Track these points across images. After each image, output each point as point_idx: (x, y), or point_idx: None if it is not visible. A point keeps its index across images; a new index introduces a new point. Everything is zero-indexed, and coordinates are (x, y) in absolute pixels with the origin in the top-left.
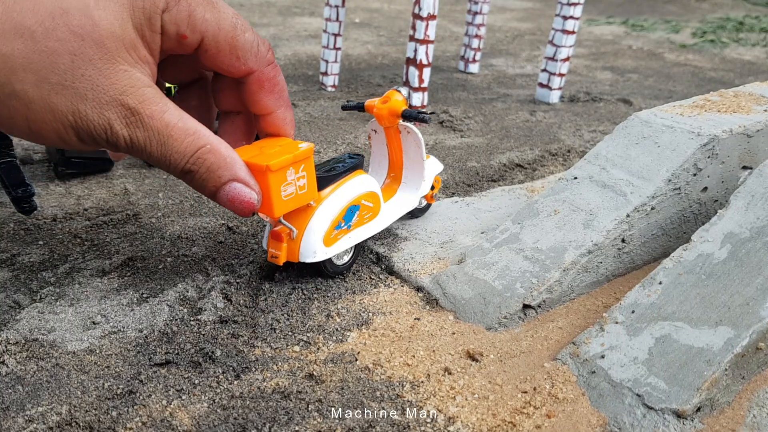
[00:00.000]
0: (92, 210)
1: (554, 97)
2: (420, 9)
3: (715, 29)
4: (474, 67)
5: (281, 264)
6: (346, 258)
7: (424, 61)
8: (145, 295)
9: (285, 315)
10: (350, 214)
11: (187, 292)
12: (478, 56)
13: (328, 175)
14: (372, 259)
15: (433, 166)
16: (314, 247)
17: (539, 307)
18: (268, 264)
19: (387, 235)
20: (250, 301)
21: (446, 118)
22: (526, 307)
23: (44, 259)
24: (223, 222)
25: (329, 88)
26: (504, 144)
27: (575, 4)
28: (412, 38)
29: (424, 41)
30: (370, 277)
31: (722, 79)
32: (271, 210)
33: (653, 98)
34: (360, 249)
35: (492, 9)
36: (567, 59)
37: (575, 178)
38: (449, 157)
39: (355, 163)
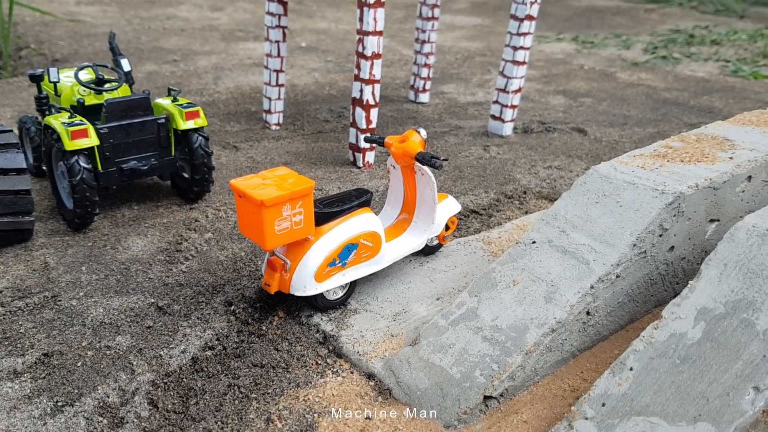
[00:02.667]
0: (7, 292)
1: (507, 129)
2: (364, 48)
3: (666, 43)
4: (424, 97)
5: (272, 293)
6: (340, 293)
7: (371, 101)
8: (60, 404)
9: (218, 423)
10: (347, 252)
11: (108, 397)
12: (428, 85)
13: (330, 211)
14: (318, 339)
15: (450, 207)
16: (306, 282)
17: (501, 396)
18: (202, 353)
19: (335, 307)
20: (180, 405)
21: None
22: (487, 398)
23: None
24: (152, 300)
25: (273, 127)
26: (458, 186)
27: (525, 34)
28: (357, 78)
29: (370, 81)
30: (316, 362)
31: (677, 99)
32: (264, 242)
33: (608, 125)
34: (355, 285)
35: (441, 26)
36: (518, 90)
37: (534, 242)
38: None
39: (361, 201)
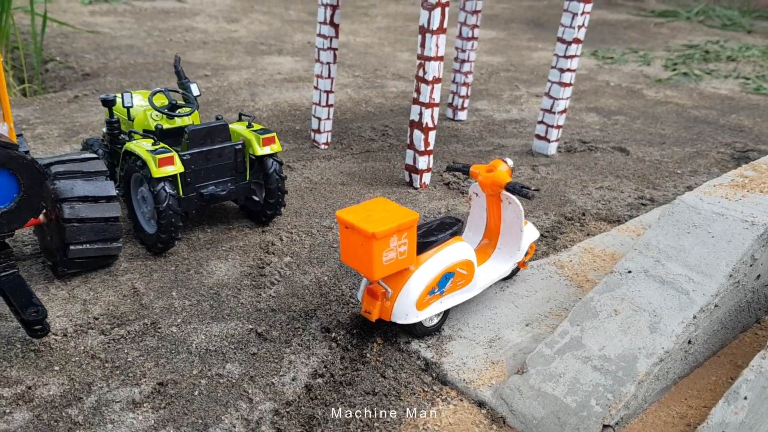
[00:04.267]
0: (103, 319)
1: (552, 148)
2: (425, 73)
3: (684, 59)
4: (462, 115)
5: (373, 320)
6: (436, 320)
7: (430, 124)
8: None
9: None
10: (444, 281)
11: (234, 427)
12: (466, 103)
13: (427, 241)
14: (420, 366)
15: (531, 234)
16: (407, 310)
17: (616, 424)
18: (314, 381)
19: (431, 334)
20: None
21: (451, 179)
22: (605, 426)
23: (65, 390)
24: (250, 327)
25: (322, 146)
26: None
27: (572, 57)
28: (416, 101)
29: (430, 105)
30: (423, 390)
31: (706, 118)
32: (371, 273)
33: (646, 144)
34: (448, 312)
35: (454, 40)
36: (564, 111)
37: (629, 271)
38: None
39: (453, 230)
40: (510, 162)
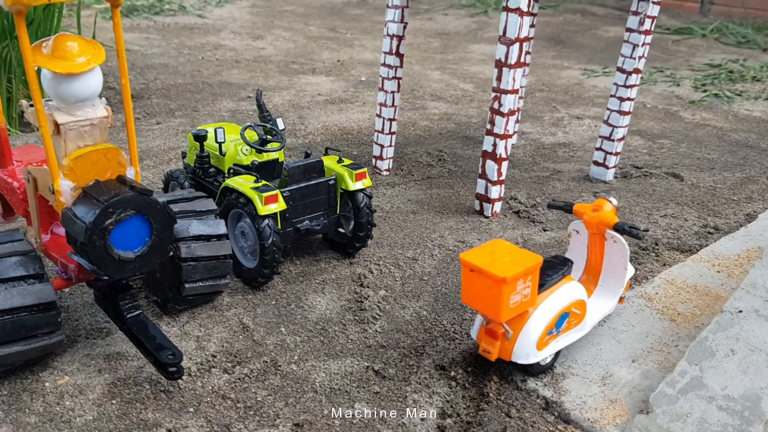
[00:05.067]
0: (222, 357)
1: (609, 175)
2: (501, 105)
3: (711, 80)
4: (513, 139)
5: (493, 360)
6: (550, 359)
7: (503, 155)
8: None
9: None
10: (561, 321)
11: None
12: (517, 127)
13: (546, 281)
14: (541, 404)
15: (629, 270)
16: (528, 350)
17: None
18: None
19: (544, 372)
20: None
21: (519, 206)
22: None
23: None
24: (366, 364)
25: (384, 173)
26: None
27: (632, 86)
28: (490, 132)
29: (504, 136)
30: (550, 430)
31: (747, 141)
32: (498, 315)
33: (697, 169)
34: (560, 350)
35: (480, 58)
36: (622, 138)
37: (740, 311)
38: None
39: (564, 270)
40: (614, 201)
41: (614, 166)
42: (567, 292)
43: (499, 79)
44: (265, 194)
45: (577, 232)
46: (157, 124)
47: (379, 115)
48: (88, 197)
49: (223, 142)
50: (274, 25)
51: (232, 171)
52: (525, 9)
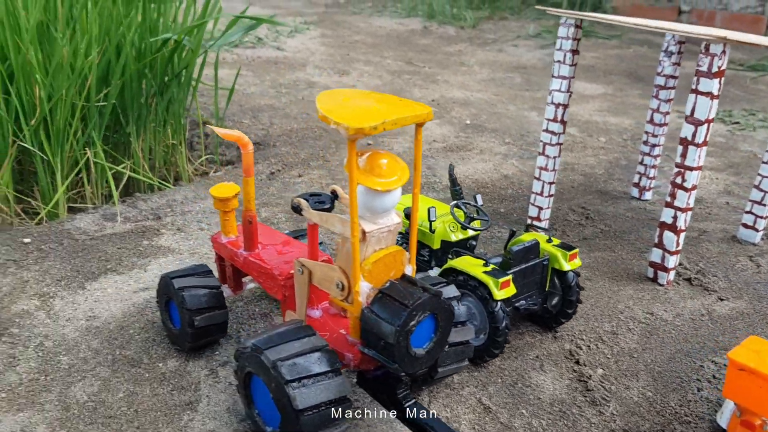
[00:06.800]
0: None
1: (757, 237)
2: (684, 181)
3: None
4: (648, 194)
5: None
6: None
7: (683, 227)
8: None
9: None
10: None
11: None
12: (653, 184)
13: None
14: None
15: None
16: None
17: None
18: None
19: None
20: None
21: (686, 272)
22: None
23: None
24: None
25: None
26: None
27: None
28: (670, 205)
29: (685, 209)
30: None
31: None
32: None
33: None
34: None
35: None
36: None
37: None
38: (737, 333)
39: None
40: None
41: (764, 229)
42: None
43: (684, 156)
44: (500, 280)
45: None
46: (299, 176)
47: (538, 178)
48: (390, 299)
49: (434, 221)
50: (350, 57)
51: (454, 252)
52: (716, 93)
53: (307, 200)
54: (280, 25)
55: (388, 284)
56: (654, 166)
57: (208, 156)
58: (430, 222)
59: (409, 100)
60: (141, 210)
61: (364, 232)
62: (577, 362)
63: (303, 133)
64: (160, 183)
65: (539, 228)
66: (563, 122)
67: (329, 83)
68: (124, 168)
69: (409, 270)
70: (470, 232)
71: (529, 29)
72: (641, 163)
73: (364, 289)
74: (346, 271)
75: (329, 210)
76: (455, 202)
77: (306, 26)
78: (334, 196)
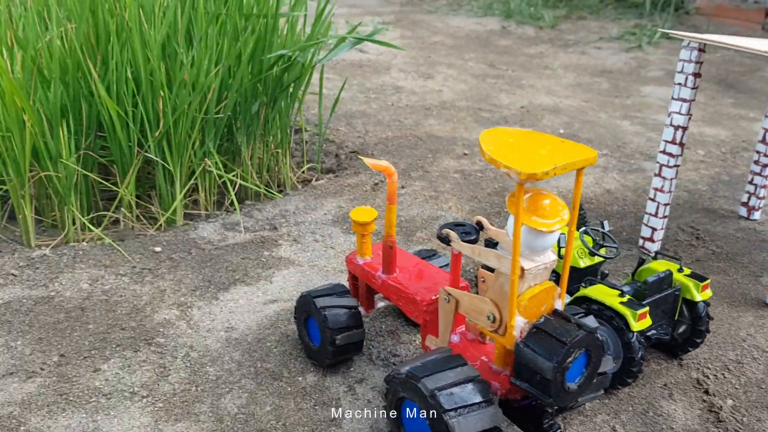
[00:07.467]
0: None
1: None
2: None
3: None
4: (757, 214)
5: None
6: None
7: None
8: None
9: None
10: None
11: None
12: (762, 203)
13: None
14: None
15: None
16: None
17: None
18: None
19: None
20: None
21: None
22: None
23: None
24: None
25: (652, 254)
26: None
27: None
28: None
29: None
30: None
31: None
32: None
33: None
34: None
35: (660, 104)
36: None
37: None
38: None
39: None
40: None
41: None
42: None
43: None
44: (638, 312)
45: None
46: (402, 188)
47: (653, 199)
48: (546, 335)
49: (563, 247)
50: (433, 60)
51: (587, 281)
52: None
53: (454, 230)
54: (389, 46)
55: (542, 320)
56: (765, 186)
57: (309, 165)
58: (560, 248)
59: (571, 141)
60: (257, 220)
61: (522, 270)
62: (706, 392)
63: (398, 142)
64: (266, 191)
65: (669, 256)
66: (681, 144)
67: (416, 88)
68: (234, 176)
69: (559, 305)
70: (597, 258)
71: (611, 31)
72: (751, 182)
73: (519, 324)
74: (498, 304)
75: (474, 241)
76: (584, 228)
77: (385, 27)
78: (480, 227)
